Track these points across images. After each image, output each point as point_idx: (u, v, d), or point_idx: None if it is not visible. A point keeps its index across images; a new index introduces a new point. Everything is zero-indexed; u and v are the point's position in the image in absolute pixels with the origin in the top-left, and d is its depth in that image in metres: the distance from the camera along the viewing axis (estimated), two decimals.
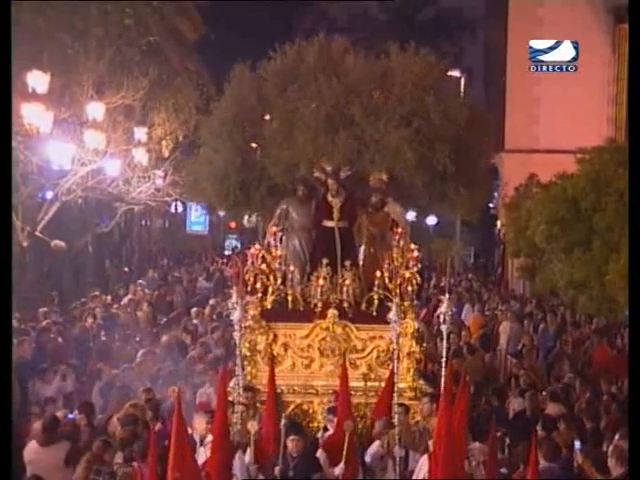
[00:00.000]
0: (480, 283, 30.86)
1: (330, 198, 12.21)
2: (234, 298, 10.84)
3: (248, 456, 9.74)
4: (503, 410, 12.46)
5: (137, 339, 16.79)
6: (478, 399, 12.94)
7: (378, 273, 11.67)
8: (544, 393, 12.99)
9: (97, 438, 10.36)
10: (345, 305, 11.71)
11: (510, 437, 10.55)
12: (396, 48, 12.98)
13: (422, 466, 9.62)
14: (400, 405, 10.50)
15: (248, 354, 11.26)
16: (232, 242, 47.39)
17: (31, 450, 10.39)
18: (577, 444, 10.01)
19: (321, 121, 12.39)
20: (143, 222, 37.09)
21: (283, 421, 9.87)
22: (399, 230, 12.03)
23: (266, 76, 13.07)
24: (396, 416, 10.25)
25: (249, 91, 13.02)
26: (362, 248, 12.42)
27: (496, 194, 33.06)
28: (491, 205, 36.21)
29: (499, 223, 33.02)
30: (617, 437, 10.11)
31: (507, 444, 10.54)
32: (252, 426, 9.96)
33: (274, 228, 12.22)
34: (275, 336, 11.78)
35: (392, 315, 10.81)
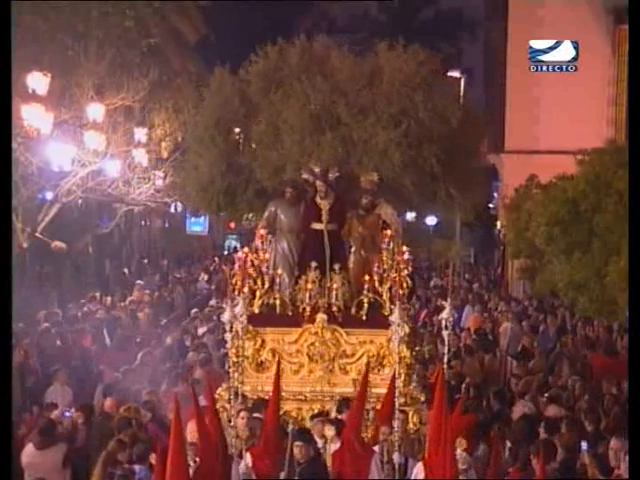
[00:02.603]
0: (480, 284, 30.86)
1: (319, 200, 11.98)
2: (240, 306, 10.64)
3: (245, 462, 9.72)
4: (504, 413, 12.42)
5: (138, 340, 16.79)
6: (478, 401, 12.92)
7: (368, 276, 11.47)
8: (546, 395, 12.99)
9: (107, 438, 10.34)
10: (334, 309, 11.49)
11: (511, 440, 10.56)
12: (384, 46, 12.80)
13: (418, 474, 9.61)
14: (400, 412, 10.35)
15: (235, 360, 10.87)
16: (232, 242, 47.36)
17: (28, 453, 10.38)
18: (584, 445, 9.98)
19: (307, 122, 12.24)
20: (143, 223, 37.09)
21: (290, 427, 9.80)
22: (388, 232, 11.82)
23: (249, 78, 12.90)
24: (396, 423, 10.12)
25: (232, 94, 12.86)
26: (352, 251, 12.21)
27: (496, 195, 33.08)
28: (491, 206, 36.24)
29: (499, 224, 33.01)
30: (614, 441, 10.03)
31: (508, 447, 10.54)
32: (243, 432, 9.95)
33: (262, 231, 12.00)
34: (263, 341, 11.57)
35: (394, 317, 10.66)
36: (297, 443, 9.54)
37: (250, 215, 13.95)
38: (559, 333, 18.84)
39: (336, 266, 11.61)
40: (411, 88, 12.36)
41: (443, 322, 10.82)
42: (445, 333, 10.79)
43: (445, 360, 10.99)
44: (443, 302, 11.56)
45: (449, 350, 15.21)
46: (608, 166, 15.00)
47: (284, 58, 12.86)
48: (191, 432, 9.44)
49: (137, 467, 9.67)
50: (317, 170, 11.94)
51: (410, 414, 11.05)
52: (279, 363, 11.17)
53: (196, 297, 25.79)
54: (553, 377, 14.71)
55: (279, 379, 10.76)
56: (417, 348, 12.31)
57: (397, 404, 10.31)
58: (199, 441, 9.08)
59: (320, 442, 10.13)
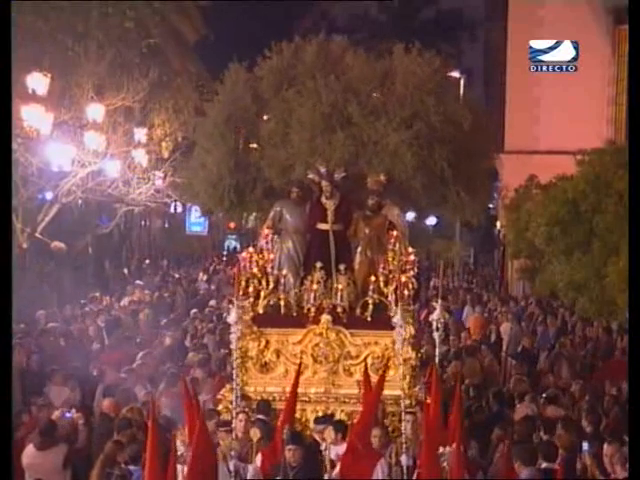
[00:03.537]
0: (480, 284, 30.85)
1: (324, 200, 11.86)
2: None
3: (253, 466, 9.71)
4: (504, 413, 12.41)
5: (138, 340, 16.79)
6: (477, 402, 12.91)
7: (373, 277, 11.40)
8: (544, 395, 12.99)
9: (107, 439, 10.34)
10: (339, 310, 11.36)
11: (512, 441, 10.54)
12: (400, 48, 12.75)
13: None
14: (408, 413, 10.25)
15: (239, 361, 10.62)
16: (231, 243, 47.41)
17: (29, 454, 10.36)
18: (585, 445, 9.96)
19: (318, 120, 12.17)
20: (143, 223, 37.14)
21: (285, 430, 9.77)
22: (394, 233, 11.76)
23: (262, 74, 12.83)
24: (404, 425, 10.03)
25: (244, 91, 12.79)
26: (357, 251, 12.05)
27: (496, 195, 33.07)
28: (491, 206, 36.24)
29: (499, 224, 33.00)
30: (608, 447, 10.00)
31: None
32: (255, 434, 9.92)
33: (267, 231, 11.94)
34: (267, 342, 11.45)
35: (397, 319, 10.60)
36: (290, 447, 9.49)
37: (254, 215, 13.84)
38: (559, 333, 18.85)
39: (341, 267, 11.50)
40: (424, 92, 12.29)
41: (434, 323, 10.78)
42: (436, 334, 10.76)
43: (437, 361, 10.93)
44: (434, 303, 11.52)
45: (448, 351, 15.20)
46: (608, 166, 15.00)
47: (299, 56, 12.79)
48: (182, 434, 9.42)
49: (132, 468, 9.66)
50: (323, 170, 11.83)
51: (419, 416, 10.96)
52: (300, 365, 11.09)
53: (196, 297, 25.79)
54: (553, 377, 14.71)
55: (298, 380, 10.71)
56: (422, 350, 12.21)
57: (403, 406, 10.27)
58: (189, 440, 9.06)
59: (323, 445, 10.07)
